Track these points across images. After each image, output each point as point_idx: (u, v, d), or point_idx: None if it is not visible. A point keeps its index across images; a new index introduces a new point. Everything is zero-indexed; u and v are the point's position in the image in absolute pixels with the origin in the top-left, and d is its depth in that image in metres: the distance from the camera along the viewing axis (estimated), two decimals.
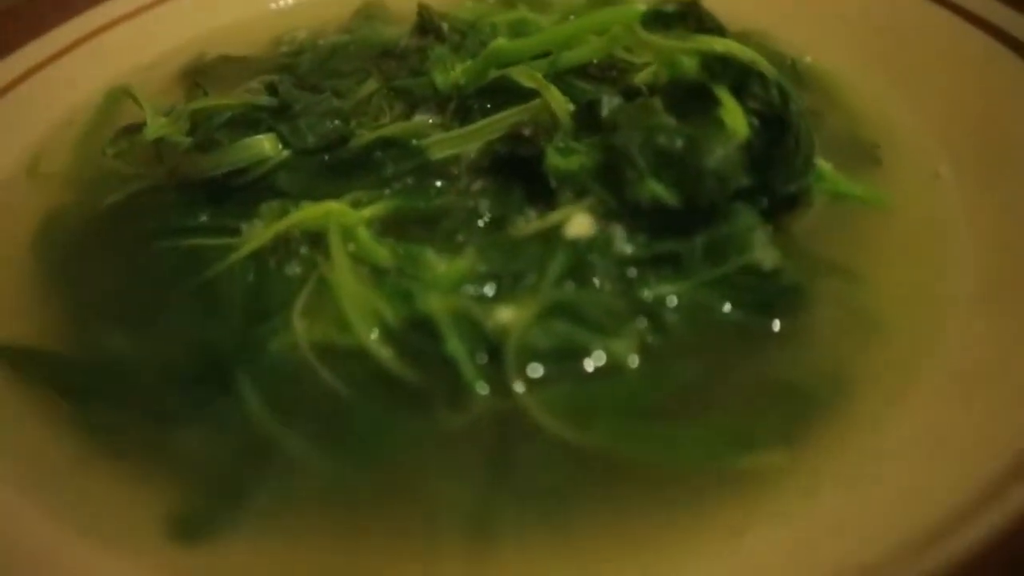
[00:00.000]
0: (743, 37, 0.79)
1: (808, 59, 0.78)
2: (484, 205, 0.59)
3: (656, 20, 0.59)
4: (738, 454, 0.46)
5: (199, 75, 0.80)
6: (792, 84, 0.68)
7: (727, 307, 0.53)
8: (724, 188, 0.54)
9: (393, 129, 0.64)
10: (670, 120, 0.56)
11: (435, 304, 0.51)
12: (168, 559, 0.44)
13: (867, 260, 0.58)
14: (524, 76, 0.64)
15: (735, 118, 0.54)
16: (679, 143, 0.54)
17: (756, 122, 0.57)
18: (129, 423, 0.51)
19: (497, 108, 0.66)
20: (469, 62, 0.67)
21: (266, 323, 0.54)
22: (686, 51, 0.57)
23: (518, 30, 0.83)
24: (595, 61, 0.69)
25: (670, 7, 0.60)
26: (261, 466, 0.48)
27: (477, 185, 0.61)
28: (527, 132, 0.60)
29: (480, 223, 0.58)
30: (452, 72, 0.68)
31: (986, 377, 0.49)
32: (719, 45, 0.56)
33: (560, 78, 0.66)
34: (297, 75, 0.78)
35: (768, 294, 0.53)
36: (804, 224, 0.60)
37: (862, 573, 0.37)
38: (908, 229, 0.61)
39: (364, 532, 0.46)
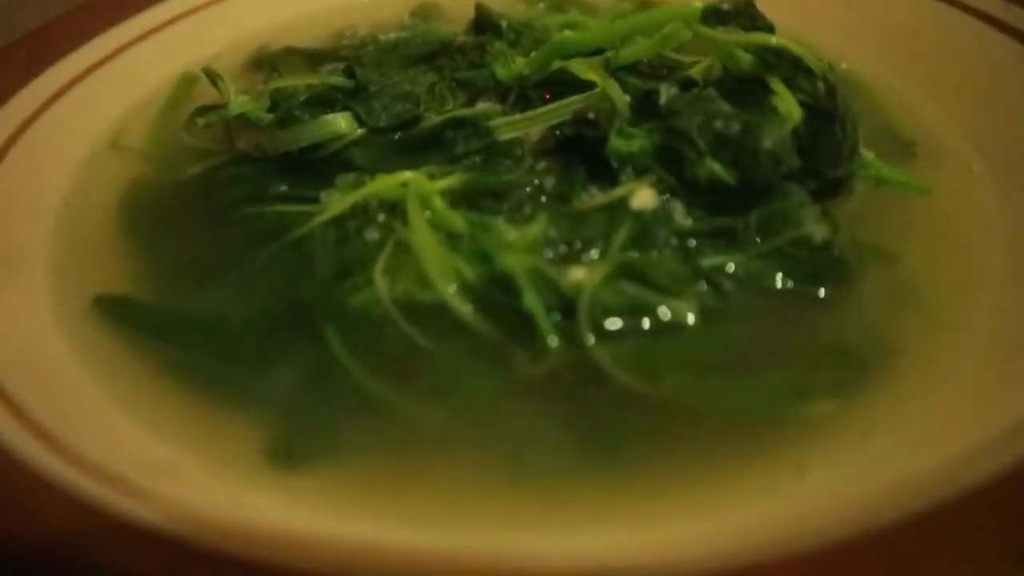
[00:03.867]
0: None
1: (844, 65, 0.83)
2: (549, 182, 0.64)
3: (713, 16, 0.64)
4: (794, 404, 0.50)
5: (266, 64, 0.85)
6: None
7: (779, 277, 0.57)
8: (778, 168, 0.58)
9: (462, 112, 0.68)
10: (726, 106, 0.60)
11: (513, 262, 0.55)
12: (267, 480, 0.47)
13: (904, 242, 0.63)
14: (585, 68, 0.69)
15: (789, 104, 0.59)
16: (735, 127, 0.59)
17: (804, 112, 0.62)
18: (224, 366, 0.54)
19: (556, 99, 0.70)
20: (532, 54, 0.71)
21: (349, 280, 0.58)
22: (743, 45, 0.61)
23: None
24: (647, 60, 0.74)
25: (726, 5, 0.65)
26: (349, 406, 0.52)
27: (542, 165, 0.66)
28: (592, 116, 0.64)
29: (545, 198, 0.63)
30: (514, 64, 0.73)
31: (1019, 345, 0.53)
32: (773, 40, 0.61)
33: (614, 74, 0.71)
34: (361, 66, 0.83)
35: (817, 266, 0.57)
36: (847, 209, 0.65)
37: (916, 490, 0.41)
38: (943, 216, 0.65)
39: (445, 469, 0.49)
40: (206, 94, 0.78)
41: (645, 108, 0.66)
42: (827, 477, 0.46)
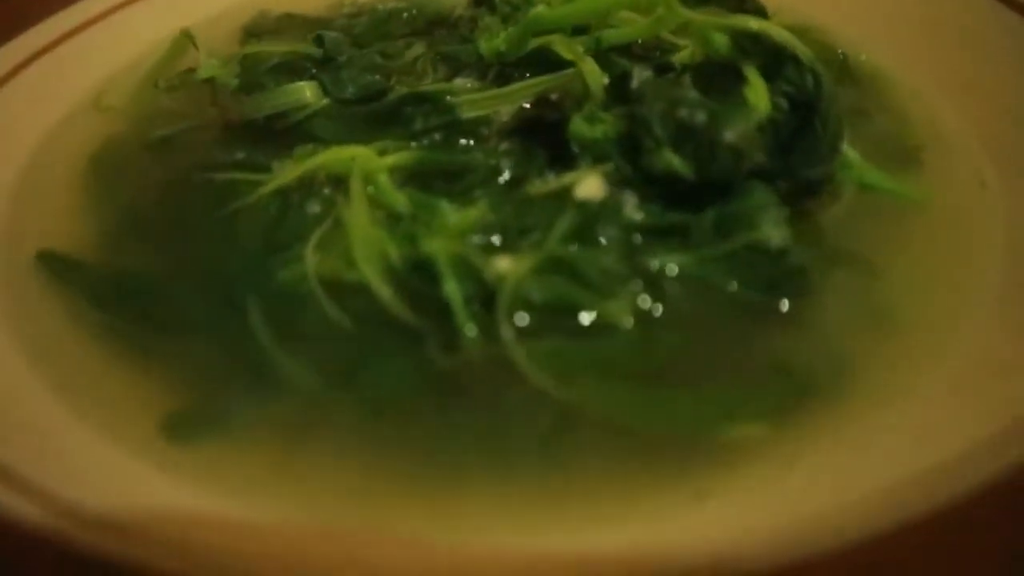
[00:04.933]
0: (797, 31, 0.78)
1: (863, 57, 0.76)
2: (506, 164, 0.60)
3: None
4: (714, 424, 0.46)
5: (260, 28, 0.84)
6: (838, 77, 0.67)
7: (732, 283, 0.52)
8: (739, 163, 0.53)
9: (428, 87, 0.66)
10: (694, 94, 0.55)
11: (437, 247, 0.52)
12: (155, 451, 0.47)
13: (892, 255, 0.57)
14: (562, 47, 0.65)
15: (758, 95, 0.54)
16: (700, 116, 0.54)
17: (786, 105, 0.57)
18: (144, 329, 0.54)
19: (536, 77, 0.67)
20: (509, 29, 0.67)
21: (281, 254, 0.56)
22: (719, 27, 0.56)
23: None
24: (640, 41, 0.69)
25: None
26: (257, 381, 0.51)
27: (504, 146, 0.62)
28: (554, 97, 0.61)
29: (500, 181, 0.59)
30: (495, 39, 0.69)
31: (987, 386, 0.47)
32: (754, 24, 0.55)
33: (604, 55, 0.67)
34: (353, 35, 0.81)
35: (773, 274, 0.52)
36: (834, 213, 0.59)
37: (817, 534, 0.37)
38: (941, 231, 0.59)
39: (342, 453, 0.47)
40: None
41: (618, 92, 0.61)
42: (728, 508, 0.41)
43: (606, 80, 0.63)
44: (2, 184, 0.64)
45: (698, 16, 0.58)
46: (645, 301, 0.51)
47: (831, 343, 0.51)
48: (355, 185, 0.57)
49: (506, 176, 0.60)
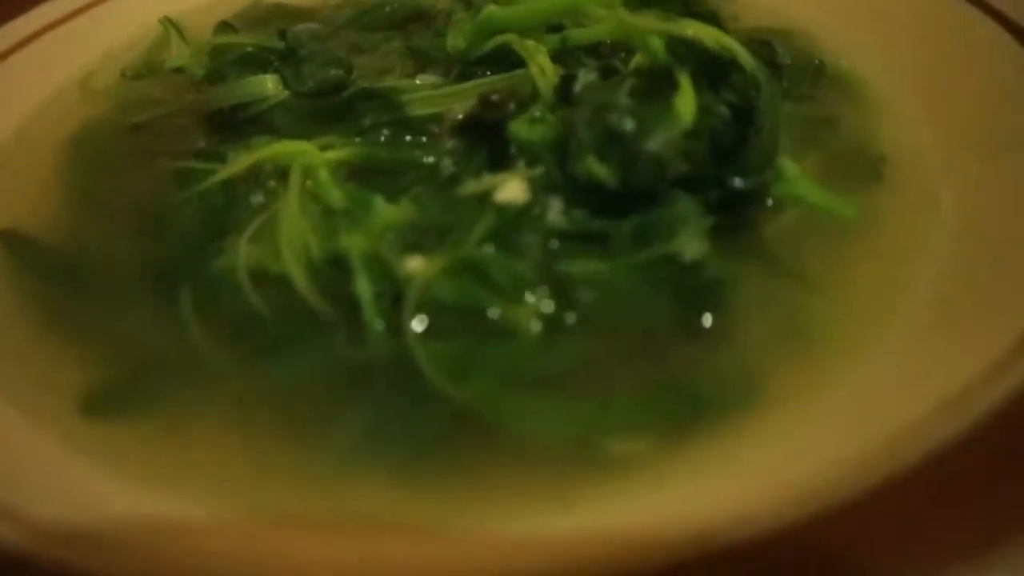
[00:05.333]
0: (777, 33, 0.77)
1: (843, 63, 0.74)
2: (447, 163, 0.61)
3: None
4: (597, 435, 0.46)
5: (245, 19, 0.87)
6: (811, 82, 0.66)
7: (645, 293, 0.52)
8: (661, 172, 0.52)
9: (380, 84, 0.67)
10: (625, 100, 0.55)
11: (352, 243, 0.53)
12: (71, 427, 0.49)
13: (822, 272, 0.55)
14: (517, 45, 0.65)
15: (685, 103, 0.53)
16: (627, 123, 0.53)
17: (728, 112, 0.55)
18: (80, 308, 0.57)
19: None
20: (466, 27, 0.68)
21: (218, 242, 0.58)
22: (655, 31, 0.55)
23: None
24: (608, 42, 0.69)
25: None
26: (178, 364, 0.53)
27: (450, 144, 0.63)
28: (495, 99, 0.61)
29: (439, 179, 0.60)
30: (457, 37, 0.70)
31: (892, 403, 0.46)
32: (689, 28, 0.54)
33: (570, 53, 0.67)
34: (334, 27, 0.83)
35: (688, 286, 0.51)
36: (772, 226, 0.58)
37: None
38: (885, 250, 0.57)
39: (252, 438, 0.49)
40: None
41: (564, 94, 0.61)
42: (592, 522, 0.41)
43: (556, 80, 0.63)
44: None
45: (635, 20, 0.57)
46: (553, 307, 0.51)
47: (739, 358, 0.50)
48: (293, 178, 0.59)
49: (444, 175, 0.60)
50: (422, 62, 0.73)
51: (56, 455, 0.47)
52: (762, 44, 0.74)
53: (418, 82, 0.68)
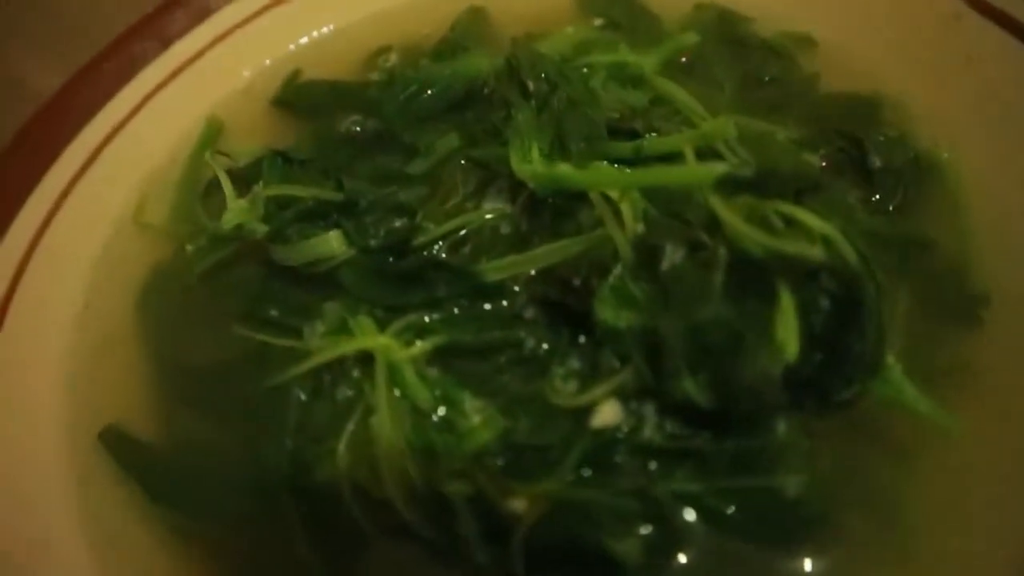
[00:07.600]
0: (870, 106, 0.71)
1: (945, 155, 0.68)
2: (529, 343, 0.60)
3: (729, 184, 0.54)
4: None
5: (290, 98, 0.82)
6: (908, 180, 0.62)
7: (743, 520, 0.53)
8: (757, 402, 0.51)
9: (446, 224, 0.64)
10: (720, 308, 0.52)
11: (455, 488, 0.54)
12: None
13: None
14: (596, 200, 0.61)
15: (787, 332, 0.51)
16: (720, 336, 0.52)
17: (828, 306, 0.53)
18: (188, 517, 0.60)
19: (571, 209, 0.64)
20: (539, 170, 0.63)
21: (315, 447, 0.59)
22: (752, 239, 0.52)
23: (615, 74, 0.78)
24: None
25: (746, 171, 0.54)
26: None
27: (529, 312, 0.62)
28: (576, 282, 0.58)
29: (526, 368, 0.59)
30: (526, 163, 0.65)
31: None
32: (790, 247, 0.51)
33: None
34: (383, 117, 0.78)
35: (788, 522, 0.52)
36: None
37: None
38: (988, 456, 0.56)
39: None
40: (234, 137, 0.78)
41: (648, 261, 0.58)
42: None
43: (640, 228, 0.59)
44: (62, 327, 0.68)
45: (731, 216, 0.53)
46: (654, 538, 0.53)
47: None
48: (379, 383, 0.59)
49: (530, 359, 0.60)
50: (484, 177, 0.69)
51: None
52: (852, 142, 0.69)
53: (487, 216, 0.65)
